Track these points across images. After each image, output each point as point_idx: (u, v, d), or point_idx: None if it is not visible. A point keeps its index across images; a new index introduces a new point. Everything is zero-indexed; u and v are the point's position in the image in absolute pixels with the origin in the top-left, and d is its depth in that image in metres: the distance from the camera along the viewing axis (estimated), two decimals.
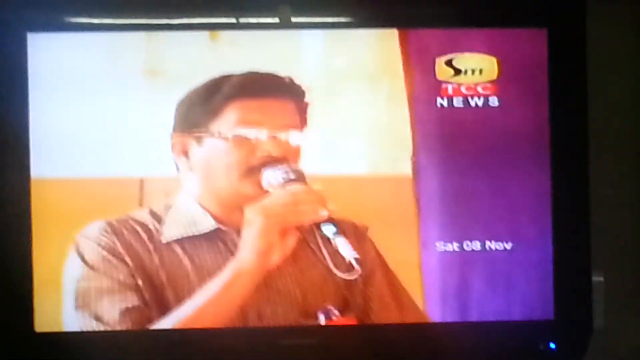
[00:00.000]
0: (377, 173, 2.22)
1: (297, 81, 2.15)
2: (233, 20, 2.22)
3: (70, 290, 2.09)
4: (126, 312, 2.07)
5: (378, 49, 2.23)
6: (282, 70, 2.16)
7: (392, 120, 2.22)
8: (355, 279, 2.13)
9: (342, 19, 2.26)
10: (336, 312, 2.15)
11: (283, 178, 2.08)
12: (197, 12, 2.21)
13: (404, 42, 2.23)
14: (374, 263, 2.18)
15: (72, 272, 2.10)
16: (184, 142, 2.11)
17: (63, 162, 2.17)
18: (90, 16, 2.20)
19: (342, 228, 2.10)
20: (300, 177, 2.09)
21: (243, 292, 2.07)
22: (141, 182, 2.17)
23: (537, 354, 2.24)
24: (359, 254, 2.10)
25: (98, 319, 2.08)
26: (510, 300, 2.24)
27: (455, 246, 2.24)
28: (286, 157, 2.11)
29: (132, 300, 2.08)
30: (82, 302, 2.08)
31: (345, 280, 2.12)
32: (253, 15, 2.22)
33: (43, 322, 2.16)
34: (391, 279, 2.19)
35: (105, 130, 2.18)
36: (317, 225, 2.06)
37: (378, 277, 2.18)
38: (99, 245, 2.09)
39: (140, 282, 2.08)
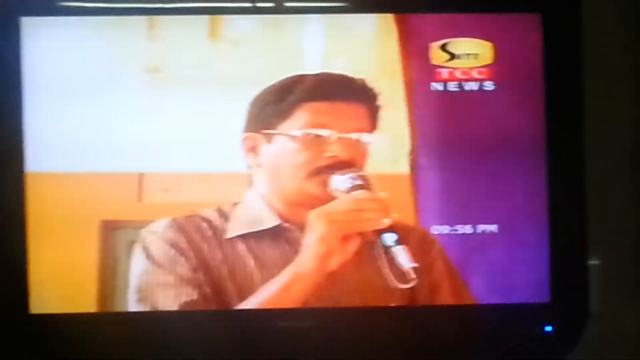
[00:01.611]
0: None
1: (369, 84, 2.18)
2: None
3: (134, 284, 2.13)
4: (185, 305, 2.10)
5: (374, 36, 2.24)
6: (284, 67, 2.18)
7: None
8: (420, 289, 2.17)
9: (337, 4, 2.27)
10: None
11: (350, 184, 2.10)
12: None
13: (402, 29, 2.24)
14: (441, 273, 2.20)
15: (136, 266, 2.13)
16: (255, 138, 2.14)
17: (58, 156, 2.19)
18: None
19: (408, 235, 2.14)
20: (367, 184, 2.11)
21: (300, 294, 2.10)
22: (140, 178, 2.20)
23: (533, 337, 2.24)
24: (424, 263, 2.15)
25: None
26: (506, 283, 2.24)
27: (448, 229, 2.24)
28: (354, 159, 2.13)
29: (192, 294, 2.10)
30: (144, 295, 2.11)
31: (406, 289, 2.13)
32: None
33: (37, 304, 2.17)
34: (459, 288, 2.21)
35: (100, 122, 2.20)
36: (379, 233, 2.07)
37: (445, 288, 2.20)
38: (163, 240, 2.12)
39: (201, 276, 2.11)
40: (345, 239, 2.07)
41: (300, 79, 2.16)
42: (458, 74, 2.25)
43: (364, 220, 2.07)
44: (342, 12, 2.25)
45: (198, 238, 2.13)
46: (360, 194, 2.09)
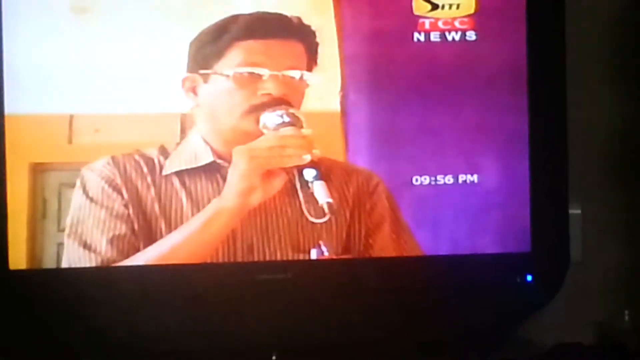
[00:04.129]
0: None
1: (305, 21, 2.17)
2: None
3: (69, 219, 2.14)
4: (114, 240, 2.12)
5: None
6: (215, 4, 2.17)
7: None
8: (357, 230, 2.19)
9: None
10: (326, 250, 2.19)
11: (278, 121, 2.10)
12: None
13: None
14: (382, 215, 2.22)
15: (73, 202, 2.15)
16: (193, 79, 2.15)
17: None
18: None
19: (350, 176, 2.18)
20: (295, 121, 2.11)
21: (222, 230, 2.12)
22: (70, 119, 2.19)
23: (514, 286, 2.27)
24: (368, 204, 2.18)
25: (86, 246, 2.12)
26: (487, 233, 2.26)
27: (429, 180, 2.26)
28: (288, 96, 2.13)
29: (121, 229, 2.12)
30: (75, 229, 2.13)
31: (334, 226, 2.17)
32: None
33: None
34: (400, 231, 2.23)
35: (28, 61, 2.17)
36: (300, 169, 2.09)
37: (385, 230, 2.22)
38: (100, 176, 2.14)
39: (131, 212, 2.13)
40: (267, 175, 2.09)
41: (235, 18, 2.16)
42: (440, 24, 2.24)
43: (286, 157, 2.09)
44: None
45: (133, 175, 2.15)
46: (286, 130, 2.10)
